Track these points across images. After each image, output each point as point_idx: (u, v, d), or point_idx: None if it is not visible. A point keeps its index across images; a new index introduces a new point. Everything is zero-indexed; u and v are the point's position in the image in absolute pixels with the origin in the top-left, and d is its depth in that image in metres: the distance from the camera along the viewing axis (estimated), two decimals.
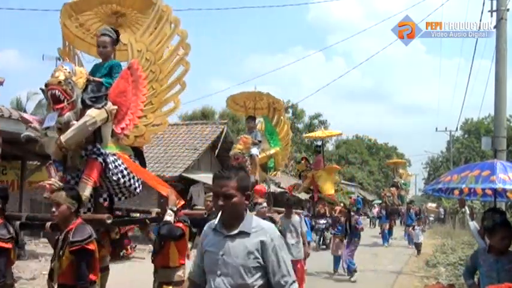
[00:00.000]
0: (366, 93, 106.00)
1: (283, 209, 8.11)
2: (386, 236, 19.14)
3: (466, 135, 46.44)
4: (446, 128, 36.97)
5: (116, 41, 4.77)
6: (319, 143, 16.97)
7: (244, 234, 2.56)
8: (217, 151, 16.84)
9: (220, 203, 2.57)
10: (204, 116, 31.93)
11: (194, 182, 15.07)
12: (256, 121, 9.67)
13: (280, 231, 6.95)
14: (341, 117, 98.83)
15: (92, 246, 3.63)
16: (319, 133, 16.63)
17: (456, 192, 5.47)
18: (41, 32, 79.71)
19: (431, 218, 34.72)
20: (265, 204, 7.22)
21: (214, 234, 2.69)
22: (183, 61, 4.72)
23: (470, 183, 4.61)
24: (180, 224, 4.62)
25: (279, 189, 20.43)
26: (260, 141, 8.86)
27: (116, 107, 4.38)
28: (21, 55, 79.64)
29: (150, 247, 9.04)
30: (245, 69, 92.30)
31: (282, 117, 9.70)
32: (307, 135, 19.65)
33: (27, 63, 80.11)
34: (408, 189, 23.17)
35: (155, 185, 4.69)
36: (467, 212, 6.10)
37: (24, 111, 21.83)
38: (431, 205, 36.74)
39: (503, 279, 3.83)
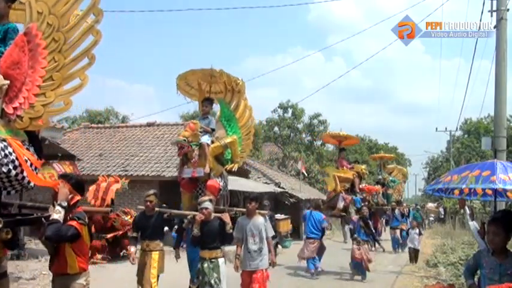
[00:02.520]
0: (366, 93, 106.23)
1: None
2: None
3: (466, 135, 46.45)
4: (446, 128, 37.10)
5: None
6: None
7: None
8: None
9: None
10: None
11: None
12: (214, 107, 8.27)
13: (230, 235, 6.07)
14: (341, 117, 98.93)
15: None
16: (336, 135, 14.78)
17: (456, 192, 5.47)
18: None
19: (431, 218, 34.73)
20: (207, 203, 6.12)
21: None
22: (93, 30, 3.83)
23: (470, 184, 4.62)
24: (73, 223, 3.88)
25: (279, 189, 20.47)
26: (214, 129, 7.43)
27: (7, 81, 3.60)
28: None
29: None
30: (245, 69, 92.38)
31: (242, 101, 8.00)
32: (328, 133, 17.01)
33: None
34: (397, 187, 19.99)
35: (39, 180, 3.95)
36: (468, 212, 6.10)
37: None
38: (431, 205, 36.76)
39: (505, 283, 3.84)
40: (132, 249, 6.83)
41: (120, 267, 10.58)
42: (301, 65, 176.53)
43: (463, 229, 21.97)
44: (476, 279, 4.34)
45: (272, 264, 6.58)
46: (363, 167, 13.50)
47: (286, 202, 21.16)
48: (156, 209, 6.76)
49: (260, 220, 6.54)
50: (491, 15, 11.18)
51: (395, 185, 19.23)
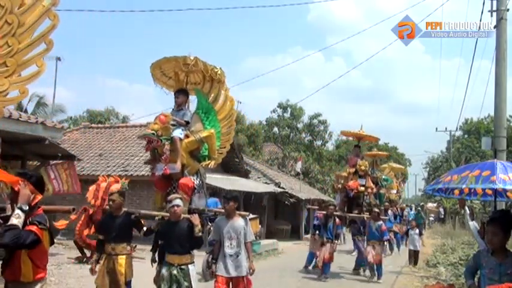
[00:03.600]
0: (366, 93, 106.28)
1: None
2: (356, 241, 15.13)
3: (466, 135, 46.49)
4: (446, 128, 37.06)
5: None
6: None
7: None
8: None
9: None
10: None
11: None
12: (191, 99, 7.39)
13: (199, 238, 5.45)
14: (341, 117, 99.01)
15: None
16: (355, 132, 14.34)
17: (456, 192, 5.47)
18: None
19: (431, 218, 34.74)
20: (178, 201, 5.58)
21: None
22: (50, 13, 3.53)
23: (470, 184, 4.63)
24: (33, 228, 3.46)
25: (279, 189, 20.46)
26: (188, 122, 6.70)
27: None
28: None
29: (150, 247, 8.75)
30: (245, 69, 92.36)
31: (222, 91, 7.17)
32: (344, 131, 16.02)
33: None
34: (390, 186, 18.79)
35: None
36: (468, 212, 6.10)
37: (25, 111, 21.87)
38: (431, 205, 36.79)
39: (505, 283, 3.84)
40: (95, 257, 6.22)
41: None
42: (301, 65, 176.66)
43: (463, 229, 22.00)
44: (476, 279, 4.34)
45: (250, 271, 5.93)
46: (360, 162, 13.08)
47: (286, 202, 21.15)
48: (124, 208, 6.19)
49: (240, 222, 5.97)
50: (491, 15, 11.19)
51: (387, 184, 18.35)
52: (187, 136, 6.53)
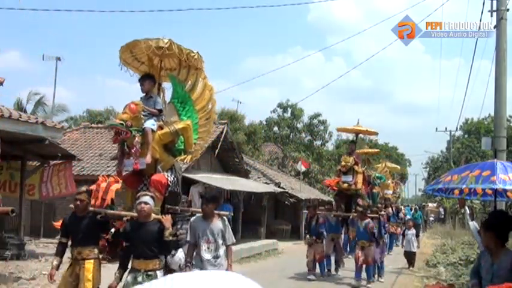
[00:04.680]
0: (365, 93, 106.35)
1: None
2: (346, 244, 14.40)
3: (466, 135, 46.46)
4: (446, 128, 37.04)
5: None
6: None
7: None
8: (217, 151, 16.83)
9: None
10: None
11: (194, 182, 15.06)
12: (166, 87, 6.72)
13: (168, 243, 4.93)
14: (341, 117, 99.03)
15: None
16: (351, 128, 13.82)
17: (456, 192, 5.48)
18: (41, 32, 79.70)
19: (431, 218, 34.75)
20: (147, 198, 5.07)
21: None
22: None
23: (470, 184, 4.62)
24: None
25: (279, 189, 20.45)
26: (161, 111, 6.04)
27: None
28: (22, 55, 79.58)
29: None
30: (245, 69, 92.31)
31: (200, 79, 6.46)
32: (340, 128, 15.46)
33: (27, 64, 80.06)
34: (384, 185, 17.81)
35: None
36: (468, 212, 6.11)
37: (25, 111, 21.86)
38: (432, 205, 36.79)
39: (497, 283, 3.82)
40: (55, 262, 5.53)
41: None
42: (301, 65, 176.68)
43: (463, 229, 21.99)
44: None
45: None
46: (342, 158, 12.60)
47: (286, 202, 21.14)
48: (90, 208, 5.74)
49: (218, 224, 5.51)
50: (491, 15, 11.16)
51: (381, 182, 17.26)
52: (160, 127, 5.91)
